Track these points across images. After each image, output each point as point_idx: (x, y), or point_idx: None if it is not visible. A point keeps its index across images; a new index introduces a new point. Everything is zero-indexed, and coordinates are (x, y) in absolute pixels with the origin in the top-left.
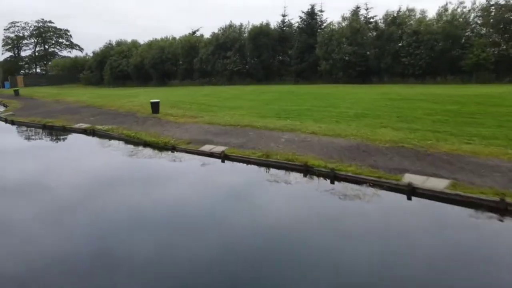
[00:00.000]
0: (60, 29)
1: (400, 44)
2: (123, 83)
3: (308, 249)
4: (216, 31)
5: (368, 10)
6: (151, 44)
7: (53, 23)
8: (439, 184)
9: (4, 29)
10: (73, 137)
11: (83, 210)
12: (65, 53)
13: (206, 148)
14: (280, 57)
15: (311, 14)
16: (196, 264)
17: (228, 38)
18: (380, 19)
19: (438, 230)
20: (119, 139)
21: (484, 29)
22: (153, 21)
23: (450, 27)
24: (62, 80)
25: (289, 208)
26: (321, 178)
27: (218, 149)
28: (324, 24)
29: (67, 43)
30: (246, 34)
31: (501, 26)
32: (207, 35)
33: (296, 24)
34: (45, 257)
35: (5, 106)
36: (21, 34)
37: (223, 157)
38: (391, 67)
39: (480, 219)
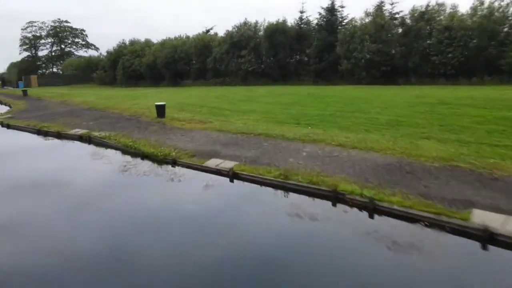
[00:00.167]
0: (76, 29)
1: (429, 42)
2: (135, 83)
3: None
4: (230, 29)
5: (393, 5)
6: (164, 43)
7: (69, 22)
8: None
9: (22, 29)
10: (65, 145)
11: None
12: (81, 52)
13: (212, 163)
14: (298, 56)
15: (331, 10)
16: None
17: (243, 37)
18: (406, 15)
19: None
20: (115, 148)
21: None
22: (170, 21)
23: (487, 22)
24: (76, 80)
25: (317, 268)
26: (355, 210)
27: (226, 165)
28: (345, 21)
29: (83, 42)
30: (261, 32)
31: None
32: (221, 33)
33: (315, 21)
34: None
35: (10, 107)
36: (38, 34)
37: (232, 175)
38: (419, 67)
39: None
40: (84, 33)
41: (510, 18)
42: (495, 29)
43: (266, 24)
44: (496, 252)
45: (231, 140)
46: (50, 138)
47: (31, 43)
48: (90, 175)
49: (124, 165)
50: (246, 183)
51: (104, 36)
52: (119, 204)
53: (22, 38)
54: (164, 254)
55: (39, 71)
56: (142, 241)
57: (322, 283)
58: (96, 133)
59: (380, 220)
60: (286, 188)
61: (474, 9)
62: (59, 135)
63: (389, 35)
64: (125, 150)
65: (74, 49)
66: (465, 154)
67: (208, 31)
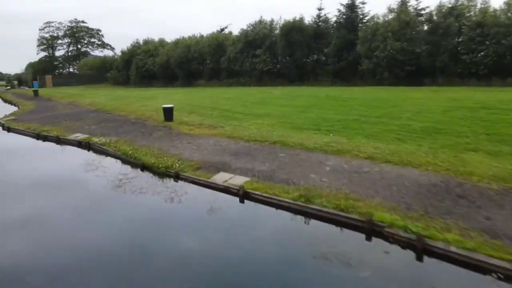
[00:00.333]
0: (92, 29)
1: (459, 39)
2: (149, 82)
3: None
4: (245, 27)
5: (418, 1)
6: (177, 43)
7: (86, 23)
8: None
9: (39, 29)
10: (61, 152)
11: None
12: (97, 52)
13: (220, 178)
14: (315, 56)
15: (352, 7)
16: None
17: (258, 35)
18: (433, 11)
19: None
20: (114, 157)
21: None
22: (186, 21)
23: None
24: (91, 80)
25: None
26: (397, 248)
27: (236, 181)
28: (367, 18)
29: (99, 42)
30: (277, 31)
31: None
32: (236, 32)
33: (334, 19)
34: None
35: (18, 107)
36: (55, 34)
37: (242, 195)
38: (447, 66)
39: None
40: (100, 33)
41: None
42: None
43: (282, 22)
44: None
45: (243, 149)
46: (48, 143)
47: (48, 43)
48: (75, 193)
49: (120, 179)
50: (258, 205)
51: (122, 37)
52: (96, 238)
53: (39, 38)
54: None
55: (56, 71)
56: None
57: None
58: (96, 139)
59: (432, 266)
60: (308, 214)
61: (508, 4)
62: (58, 140)
63: (414, 32)
64: (125, 159)
65: (90, 49)
66: None
67: (222, 30)
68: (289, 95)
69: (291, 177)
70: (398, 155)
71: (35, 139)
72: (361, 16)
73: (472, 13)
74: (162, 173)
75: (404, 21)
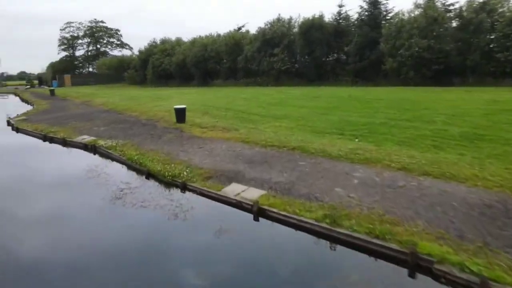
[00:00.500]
0: (111, 29)
1: (492, 36)
2: (165, 82)
3: None
4: (262, 26)
5: None
6: (194, 42)
7: (105, 23)
8: None
9: (60, 29)
10: (64, 156)
11: None
12: (115, 52)
13: (232, 190)
14: (335, 54)
15: (375, 3)
16: None
17: (276, 33)
18: (463, 6)
19: None
20: (120, 162)
21: None
22: (204, 22)
23: None
24: (108, 79)
25: None
26: None
27: (250, 194)
28: (391, 14)
29: (118, 42)
30: (296, 29)
31: None
32: (253, 31)
33: (355, 16)
34: None
35: (33, 106)
36: (75, 34)
37: (257, 212)
38: (479, 65)
39: None
40: (118, 33)
41: None
42: None
43: (301, 20)
44: None
45: (259, 156)
46: (54, 145)
47: (69, 43)
48: (66, 207)
49: (121, 189)
50: (275, 224)
51: (141, 37)
52: (74, 265)
53: (60, 38)
54: None
55: (76, 70)
56: None
57: None
58: (102, 142)
59: None
60: (335, 239)
61: None
62: (64, 143)
63: (442, 29)
64: (130, 165)
65: (109, 48)
66: None
67: (239, 28)
68: (308, 95)
69: (313, 191)
70: (437, 166)
71: (41, 141)
72: (384, 13)
73: (505, 8)
74: (168, 182)
75: (431, 17)
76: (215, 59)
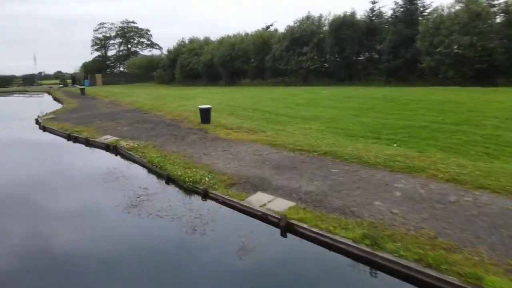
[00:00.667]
0: (142, 29)
1: None
2: (193, 82)
3: None
4: (291, 24)
5: None
6: (222, 41)
7: (136, 23)
8: None
9: (94, 30)
10: (86, 156)
11: None
12: (145, 52)
13: (257, 200)
14: (367, 53)
15: None
16: None
17: (305, 32)
18: (508, 0)
19: None
20: (140, 164)
21: None
22: (234, 22)
23: None
24: (138, 79)
25: None
26: None
27: (277, 205)
28: (428, 10)
29: (148, 42)
30: (326, 27)
31: None
32: (282, 29)
33: (389, 12)
34: None
35: (63, 104)
36: (108, 35)
37: (284, 227)
38: None
39: None
40: (149, 33)
41: None
42: None
43: (331, 17)
44: None
45: (287, 161)
46: (77, 144)
47: (101, 43)
48: (77, 214)
49: (138, 195)
50: (305, 242)
51: (171, 37)
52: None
53: (93, 38)
54: None
55: (107, 70)
56: None
57: None
58: (124, 143)
59: None
60: (376, 265)
61: None
62: (87, 142)
63: (486, 25)
64: (150, 169)
65: (140, 48)
66: None
67: (268, 27)
68: (339, 95)
69: (349, 204)
70: (494, 178)
71: (66, 140)
72: (421, 9)
73: None
74: (188, 189)
75: (474, 12)
76: (243, 58)
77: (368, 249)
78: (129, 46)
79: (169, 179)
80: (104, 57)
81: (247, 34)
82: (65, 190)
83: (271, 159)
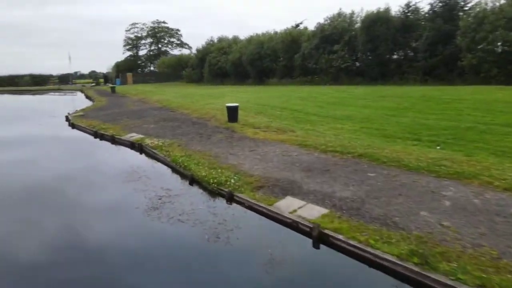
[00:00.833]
0: (172, 29)
1: None
2: (221, 80)
3: None
4: (322, 21)
5: None
6: (250, 40)
7: (167, 23)
8: None
9: (126, 30)
10: (111, 154)
11: None
12: (175, 51)
13: (286, 205)
14: (402, 51)
15: None
16: None
17: (336, 29)
18: None
19: None
20: (164, 163)
21: None
22: (263, 20)
23: None
24: (167, 78)
25: None
26: None
27: (308, 212)
28: (469, 5)
29: (178, 42)
30: (358, 24)
31: None
32: (311, 27)
33: (426, 8)
34: None
35: (93, 102)
36: (139, 35)
37: (317, 237)
38: None
39: None
40: (179, 33)
41: None
42: None
43: (363, 14)
44: None
45: (318, 163)
46: (104, 142)
47: (133, 43)
48: (95, 216)
49: (160, 197)
50: (341, 255)
51: (200, 36)
52: None
53: (125, 39)
54: None
55: (138, 69)
56: None
57: None
58: (148, 141)
59: None
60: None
61: None
62: (113, 140)
63: None
64: (174, 168)
65: (170, 48)
66: None
67: (297, 25)
68: (372, 94)
69: (391, 214)
70: None
71: (93, 137)
72: (462, 3)
73: None
74: (213, 191)
75: None
76: (271, 57)
77: (416, 269)
78: (160, 45)
79: (193, 180)
80: (135, 57)
81: (276, 33)
82: (85, 189)
83: (301, 160)
